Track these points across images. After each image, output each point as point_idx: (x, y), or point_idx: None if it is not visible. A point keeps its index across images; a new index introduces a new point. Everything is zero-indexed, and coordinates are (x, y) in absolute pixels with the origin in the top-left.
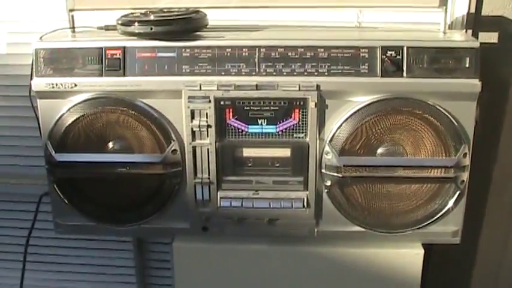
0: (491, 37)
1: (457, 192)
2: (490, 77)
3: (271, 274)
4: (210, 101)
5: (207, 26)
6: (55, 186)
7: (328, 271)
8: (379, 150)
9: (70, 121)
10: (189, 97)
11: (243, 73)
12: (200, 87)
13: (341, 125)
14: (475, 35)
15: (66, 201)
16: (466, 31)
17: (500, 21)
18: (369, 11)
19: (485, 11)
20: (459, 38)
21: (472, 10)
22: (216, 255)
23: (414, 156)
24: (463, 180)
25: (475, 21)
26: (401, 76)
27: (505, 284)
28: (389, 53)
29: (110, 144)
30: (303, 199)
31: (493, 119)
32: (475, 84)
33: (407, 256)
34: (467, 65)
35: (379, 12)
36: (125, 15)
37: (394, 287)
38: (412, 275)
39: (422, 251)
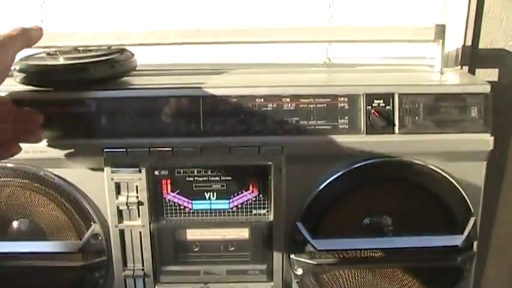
0: (491, 74)
1: (463, 279)
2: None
3: None
4: (140, 171)
5: (135, 69)
6: None
7: None
8: (364, 227)
9: None
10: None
11: (183, 133)
12: (127, 152)
13: (314, 199)
14: (471, 71)
15: None
16: (461, 67)
17: (502, 55)
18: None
19: (484, 43)
20: (461, 79)
21: (468, 42)
22: None
23: (409, 235)
24: (471, 262)
25: (472, 56)
26: (392, 132)
27: None
28: (376, 102)
29: (11, 229)
30: None
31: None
32: (485, 139)
33: None
34: (474, 115)
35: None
36: (25, 58)
37: None
38: None
39: None
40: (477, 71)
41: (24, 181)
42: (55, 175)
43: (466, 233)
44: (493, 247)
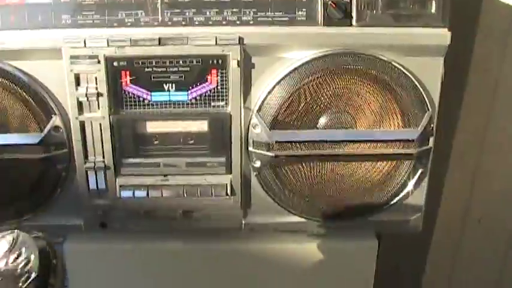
0: None
1: (419, 171)
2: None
3: (187, 279)
4: (99, 62)
5: None
6: None
7: (258, 273)
8: (321, 121)
9: None
10: (72, 57)
11: (142, 23)
12: (85, 43)
13: (272, 90)
14: None
15: None
16: None
17: None
18: None
19: None
20: None
21: None
22: (119, 256)
23: (366, 128)
24: (427, 156)
25: None
26: (350, 25)
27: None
28: None
29: None
30: (226, 185)
31: (457, 76)
32: (443, 34)
33: (358, 250)
34: (433, 10)
35: None
36: None
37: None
38: (364, 272)
39: (376, 243)
40: None
41: None
42: (14, 67)
43: (421, 127)
44: (455, 151)
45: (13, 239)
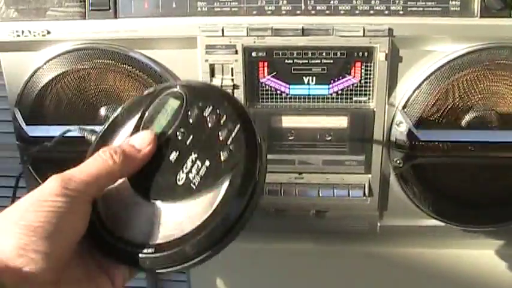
0: None
1: None
2: None
3: (317, 281)
4: (236, 52)
5: None
6: (30, 168)
7: (394, 278)
8: (466, 120)
9: (44, 82)
10: (208, 46)
11: (284, 12)
12: (223, 32)
13: (420, 85)
14: None
15: None
16: None
17: None
18: None
19: None
20: None
21: None
22: (246, 256)
23: None
24: None
25: None
26: (509, 16)
27: None
28: None
29: (100, 113)
30: (364, 185)
31: None
32: None
33: (503, 258)
34: None
35: None
36: None
37: None
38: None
39: None
40: None
41: (113, 63)
42: (146, 56)
43: None
44: None
45: None
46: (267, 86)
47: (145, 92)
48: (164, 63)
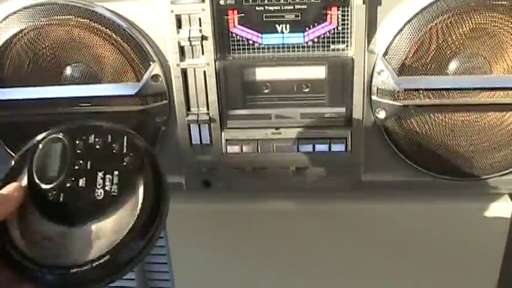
0: None
1: None
2: None
3: (298, 241)
4: (203, 1)
5: None
6: None
7: (379, 235)
8: (452, 67)
9: (2, 41)
10: None
11: None
12: None
13: (401, 30)
14: None
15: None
16: None
17: None
18: None
19: None
20: None
21: None
22: (223, 217)
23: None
24: None
25: None
26: None
27: None
28: None
29: (65, 73)
30: (345, 139)
31: None
32: None
33: (490, 212)
34: None
35: None
36: None
37: (468, 253)
38: (495, 236)
39: (510, 205)
40: None
41: (75, 18)
42: (108, 9)
43: None
44: None
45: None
46: (237, 36)
47: (25, 147)
48: (128, 16)
